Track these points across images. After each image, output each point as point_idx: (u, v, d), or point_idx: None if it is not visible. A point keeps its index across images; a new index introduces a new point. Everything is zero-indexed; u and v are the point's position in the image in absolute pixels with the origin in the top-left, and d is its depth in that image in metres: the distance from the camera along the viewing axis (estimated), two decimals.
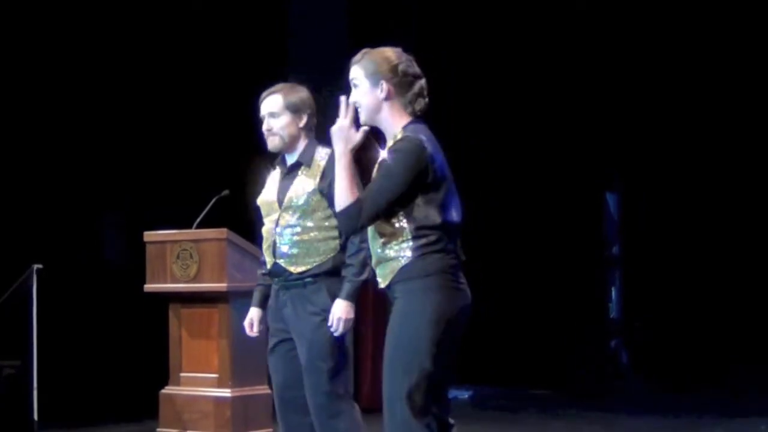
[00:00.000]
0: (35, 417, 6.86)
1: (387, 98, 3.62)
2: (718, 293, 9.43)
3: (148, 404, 6.62)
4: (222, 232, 5.93)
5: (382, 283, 3.62)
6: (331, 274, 4.37)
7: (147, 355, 7.45)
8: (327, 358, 4.35)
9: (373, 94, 3.63)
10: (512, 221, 9.96)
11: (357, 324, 8.21)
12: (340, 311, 4.30)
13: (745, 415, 7.78)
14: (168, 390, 6.23)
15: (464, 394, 9.08)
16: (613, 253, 10.53)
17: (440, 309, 3.48)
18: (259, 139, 4.53)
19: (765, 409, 7.83)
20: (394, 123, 3.63)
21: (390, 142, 3.61)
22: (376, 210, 3.51)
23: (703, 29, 9.22)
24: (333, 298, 4.33)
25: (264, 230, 4.52)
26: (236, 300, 5.93)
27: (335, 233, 4.37)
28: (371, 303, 8.22)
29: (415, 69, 3.67)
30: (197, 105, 8.87)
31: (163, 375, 6.28)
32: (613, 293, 10.50)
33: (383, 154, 3.61)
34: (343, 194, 3.52)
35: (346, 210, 3.52)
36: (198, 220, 6.00)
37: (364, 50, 3.69)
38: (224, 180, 5.73)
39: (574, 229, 10.07)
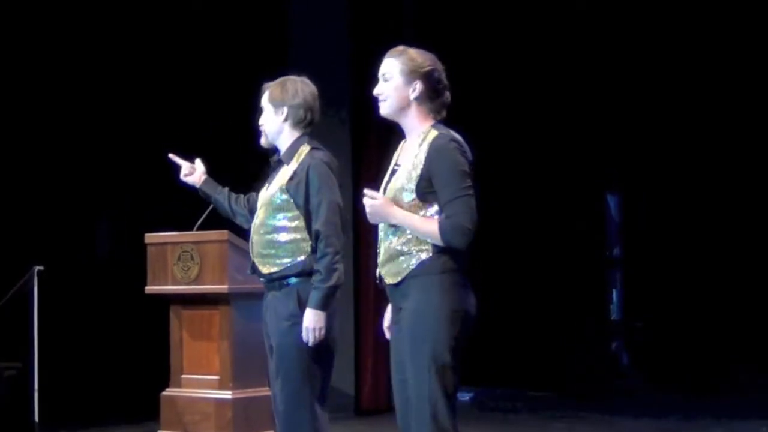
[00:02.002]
0: (36, 419, 6.86)
1: (417, 98, 3.65)
2: (718, 294, 9.42)
3: (149, 406, 6.60)
4: (223, 234, 5.91)
5: (392, 279, 3.60)
6: (302, 278, 4.25)
7: (148, 356, 7.44)
8: (293, 366, 4.23)
9: (404, 91, 3.66)
10: (513, 222, 9.94)
11: (357, 324, 8.31)
12: (308, 321, 4.16)
13: (746, 416, 7.79)
14: (169, 392, 6.21)
15: (465, 396, 9.07)
16: (613, 254, 10.54)
17: (456, 306, 3.51)
18: (259, 139, 4.53)
19: (765, 409, 7.83)
20: (420, 123, 3.67)
21: (422, 137, 3.62)
22: (472, 212, 3.56)
23: (703, 30, 9.21)
24: (302, 303, 4.21)
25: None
26: (237, 302, 5.93)
27: (304, 234, 4.26)
28: (372, 303, 8.22)
29: (446, 80, 3.71)
30: (197, 105, 8.87)
31: (164, 377, 6.27)
32: (614, 294, 10.50)
33: (410, 148, 3.64)
34: (427, 230, 3.53)
35: (442, 235, 3.51)
36: (199, 221, 5.98)
37: (401, 47, 3.72)
38: (225, 181, 5.69)
39: (575, 231, 10.06)
